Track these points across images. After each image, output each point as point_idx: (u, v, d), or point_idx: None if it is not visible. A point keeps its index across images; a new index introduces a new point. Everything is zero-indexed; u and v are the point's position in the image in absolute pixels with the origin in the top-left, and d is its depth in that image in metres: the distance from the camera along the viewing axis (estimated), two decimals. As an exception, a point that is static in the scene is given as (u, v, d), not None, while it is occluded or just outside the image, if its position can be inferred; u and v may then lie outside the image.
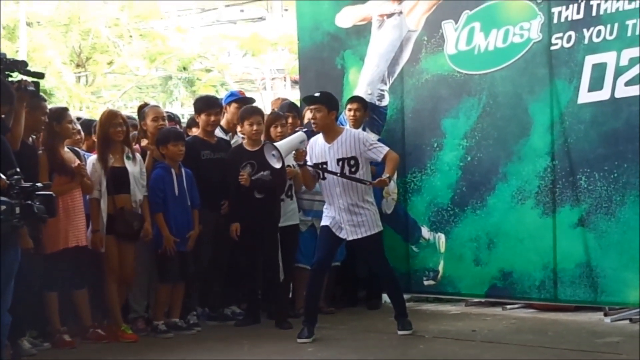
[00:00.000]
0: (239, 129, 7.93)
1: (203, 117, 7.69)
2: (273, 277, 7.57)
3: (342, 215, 6.74)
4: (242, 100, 8.08)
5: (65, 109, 7.18)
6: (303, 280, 7.62)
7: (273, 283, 7.59)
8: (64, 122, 6.79)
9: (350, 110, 8.14)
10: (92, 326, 6.95)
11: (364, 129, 8.08)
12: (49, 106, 6.93)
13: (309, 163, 6.83)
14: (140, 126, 7.65)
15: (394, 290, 7.06)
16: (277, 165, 6.78)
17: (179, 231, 7.21)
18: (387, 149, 6.79)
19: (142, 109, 7.77)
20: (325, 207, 6.91)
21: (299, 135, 7.05)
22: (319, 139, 6.87)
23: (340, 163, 6.74)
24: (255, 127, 7.49)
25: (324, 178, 6.79)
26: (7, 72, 5.59)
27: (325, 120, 6.81)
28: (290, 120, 8.20)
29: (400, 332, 6.88)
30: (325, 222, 6.87)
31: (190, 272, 7.34)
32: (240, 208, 7.47)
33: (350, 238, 6.79)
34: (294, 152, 6.85)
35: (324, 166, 6.76)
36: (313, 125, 6.92)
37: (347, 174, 6.69)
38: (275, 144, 6.91)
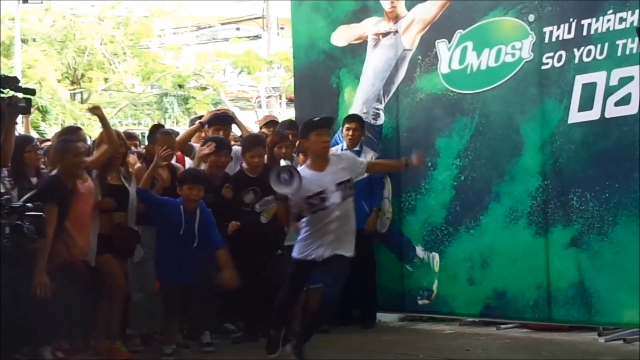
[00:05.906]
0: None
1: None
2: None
3: (327, 240, 6.40)
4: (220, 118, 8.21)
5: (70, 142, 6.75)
6: (312, 298, 7.39)
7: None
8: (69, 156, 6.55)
9: (348, 129, 8.12)
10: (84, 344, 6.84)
11: (360, 147, 8.10)
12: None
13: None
14: (147, 150, 7.67)
15: (321, 317, 6.77)
16: (286, 191, 6.44)
17: (177, 269, 6.96)
18: (365, 159, 6.88)
19: (155, 129, 7.79)
20: (305, 241, 6.49)
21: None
22: (303, 171, 6.41)
23: (341, 187, 6.46)
24: (256, 160, 7.47)
25: (323, 209, 6.40)
26: (-2, 89, 5.61)
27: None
28: (290, 138, 7.93)
29: (287, 352, 6.51)
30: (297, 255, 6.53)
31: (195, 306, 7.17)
32: (245, 231, 7.39)
33: (327, 255, 6.38)
34: None
35: (322, 196, 6.38)
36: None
37: (347, 196, 6.45)
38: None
